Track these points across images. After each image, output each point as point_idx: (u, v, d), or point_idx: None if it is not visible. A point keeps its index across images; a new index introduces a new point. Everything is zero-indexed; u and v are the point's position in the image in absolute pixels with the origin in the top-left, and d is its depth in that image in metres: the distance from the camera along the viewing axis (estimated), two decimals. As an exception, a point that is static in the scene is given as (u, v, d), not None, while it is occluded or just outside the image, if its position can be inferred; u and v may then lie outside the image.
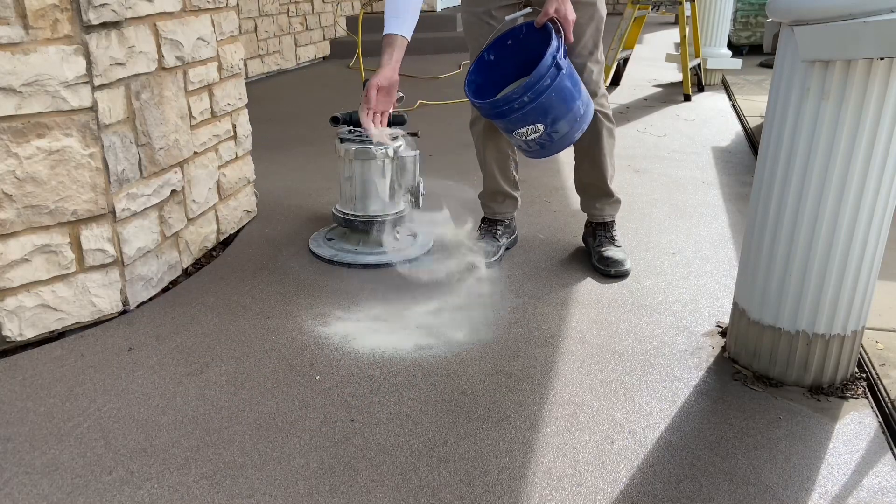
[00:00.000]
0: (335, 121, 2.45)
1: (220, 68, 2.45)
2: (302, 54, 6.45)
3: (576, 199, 2.50)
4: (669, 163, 3.59)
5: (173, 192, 2.21)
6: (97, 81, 1.84)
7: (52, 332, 1.92)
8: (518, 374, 1.79)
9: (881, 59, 1.42)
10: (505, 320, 2.04)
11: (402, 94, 2.36)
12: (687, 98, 5.02)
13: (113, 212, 1.95)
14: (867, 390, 1.72)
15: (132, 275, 2.05)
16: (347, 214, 2.44)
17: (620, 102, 4.96)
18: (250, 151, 2.74)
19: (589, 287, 2.25)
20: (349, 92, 5.19)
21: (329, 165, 3.37)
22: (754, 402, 1.68)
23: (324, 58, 6.91)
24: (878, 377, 1.74)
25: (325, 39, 6.89)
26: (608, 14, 2.30)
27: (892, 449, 1.53)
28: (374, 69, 2.68)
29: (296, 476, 1.44)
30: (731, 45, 6.23)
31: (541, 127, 1.94)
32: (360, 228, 2.43)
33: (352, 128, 2.44)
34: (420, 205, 2.58)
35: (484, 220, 2.53)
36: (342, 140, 2.40)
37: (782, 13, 1.51)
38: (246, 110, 2.68)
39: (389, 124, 2.43)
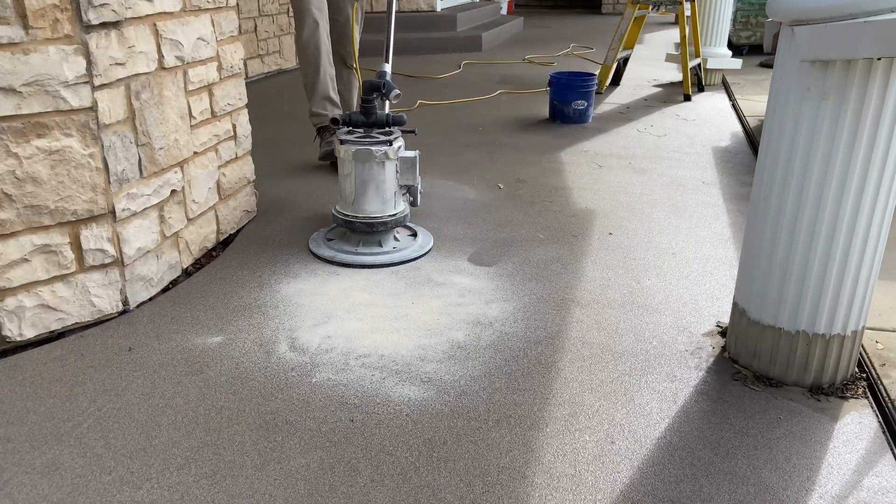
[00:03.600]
0: (335, 122, 2.45)
1: (220, 68, 2.45)
2: (302, 54, 6.44)
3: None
4: (669, 163, 3.59)
5: (173, 192, 2.21)
6: (97, 81, 1.84)
7: (52, 332, 1.92)
8: (518, 374, 1.79)
9: (880, 59, 1.43)
10: (505, 320, 2.04)
11: (398, 92, 2.36)
12: (687, 98, 5.02)
13: (113, 212, 1.95)
14: (867, 390, 1.72)
15: (132, 275, 2.05)
16: (347, 215, 2.44)
17: (620, 102, 4.96)
18: (250, 151, 2.74)
19: (589, 287, 2.25)
20: (349, 92, 5.18)
21: (329, 166, 3.37)
22: (754, 402, 1.69)
23: (324, 58, 6.90)
24: (878, 377, 1.74)
25: (325, 39, 6.88)
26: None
27: (892, 449, 1.53)
28: (371, 69, 2.68)
29: (296, 476, 1.44)
30: (731, 45, 6.23)
31: None
32: (359, 229, 2.43)
33: (351, 128, 2.44)
34: (419, 203, 2.58)
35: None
36: (342, 141, 2.40)
37: (782, 13, 1.51)
38: (246, 110, 2.68)
39: (389, 124, 2.43)
